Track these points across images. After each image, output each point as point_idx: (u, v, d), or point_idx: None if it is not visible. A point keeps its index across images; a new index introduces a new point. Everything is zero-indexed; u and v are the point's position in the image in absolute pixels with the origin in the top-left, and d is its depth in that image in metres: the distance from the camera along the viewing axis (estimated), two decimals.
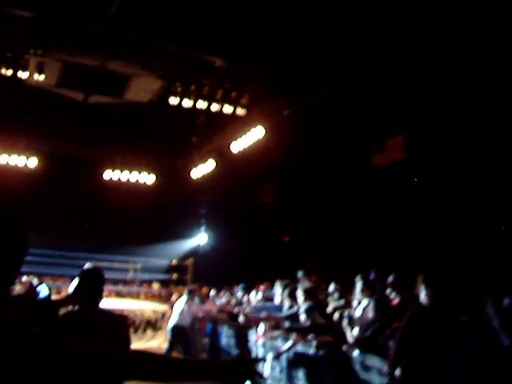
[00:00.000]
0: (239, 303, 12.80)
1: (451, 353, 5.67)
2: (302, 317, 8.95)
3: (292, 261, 15.75)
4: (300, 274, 11.81)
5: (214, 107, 13.72)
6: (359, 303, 8.72)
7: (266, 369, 9.95)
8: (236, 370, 2.12)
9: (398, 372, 6.02)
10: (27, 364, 1.71)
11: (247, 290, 13.25)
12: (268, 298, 11.96)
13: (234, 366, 2.14)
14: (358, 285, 8.67)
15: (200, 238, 20.96)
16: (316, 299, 9.41)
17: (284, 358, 9.38)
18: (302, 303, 9.26)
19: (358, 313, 8.48)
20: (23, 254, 1.94)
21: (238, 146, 15.56)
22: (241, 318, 11.34)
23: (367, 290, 8.55)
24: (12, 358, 1.68)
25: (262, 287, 13.20)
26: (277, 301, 10.94)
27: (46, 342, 1.79)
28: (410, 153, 12.90)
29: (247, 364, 2.17)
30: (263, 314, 10.84)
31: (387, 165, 13.68)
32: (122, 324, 4.61)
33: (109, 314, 4.66)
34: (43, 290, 3.96)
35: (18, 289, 10.04)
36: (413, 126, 12.78)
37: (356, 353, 7.84)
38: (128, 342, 4.44)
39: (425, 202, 13.21)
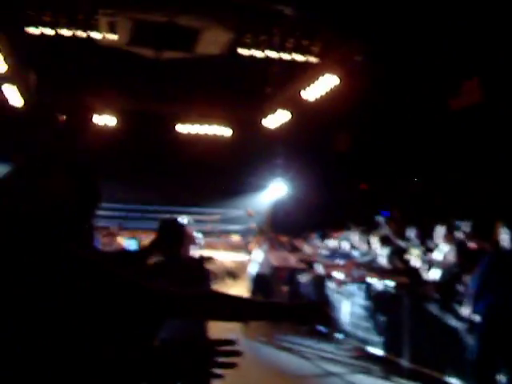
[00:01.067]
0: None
1: None
2: (383, 261, 9.00)
3: (369, 209, 15.66)
4: (381, 218, 11.80)
5: (286, 57, 13.62)
6: (438, 248, 8.67)
7: (344, 315, 10.08)
8: (309, 313, 2.19)
9: (477, 317, 6.00)
10: (102, 297, 1.79)
11: (323, 238, 13.34)
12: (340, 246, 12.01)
13: (308, 308, 2.21)
14: (441, 231, 8.60)
15: (277, 188, 21.07)
16: (393, 245, 9.42)
17: (363, 304, 9.47)
18: (380, 249, 9.30)
19: (438, 257, 8.45)
20: (96, 202, 1.99)
21: (313, 94, 15.41)
22: (317, 266, 11.47)
23: (449, 236, 8.50)
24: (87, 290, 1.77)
25: (335, 235, 13.24)
26: (348, 247, 11.00)
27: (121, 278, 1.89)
28: (487, 95, 12.42)
29: (320, 307, 2.24)
30: (340, 261, 10.92)
31: (464, 108, 13.26)
32: (203, 269, 4.83)
33: (191, 262, 4.91)
34: (132, 245, 4.13)
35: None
36: (489, 67, 12.26)
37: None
38: (209, 285, 4.65)
39: (505, 145, 12.75)
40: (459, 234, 9.02)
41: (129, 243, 3.74)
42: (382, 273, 8.98)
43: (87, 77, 15.42)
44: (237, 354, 1.63)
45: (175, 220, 4.94)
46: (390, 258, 8.97)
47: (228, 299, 2.17)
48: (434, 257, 8.67)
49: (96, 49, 13.79)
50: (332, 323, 2.37)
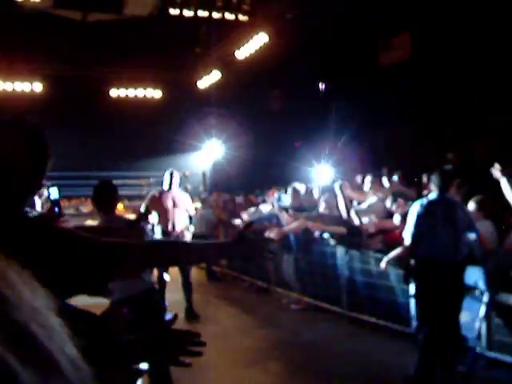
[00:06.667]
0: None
1: (458, 236, 5.85)
2: (322, 206, 9.19)
3: (304, 166, 15.87)
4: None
5: (216, 15, 13.53)
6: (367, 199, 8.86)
7: (285, 269, 10.27)
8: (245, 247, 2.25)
9: (412, 261, 6.23)
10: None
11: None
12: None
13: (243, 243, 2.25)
14: (367, 183, 8.81)
15: (211, 148, 21.07)
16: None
17: (302, 257, 9.70)
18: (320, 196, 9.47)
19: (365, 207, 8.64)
20: (46, 162, 1.96)
21: (243, 53, 15.39)
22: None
23: (376, 186, 8.70)
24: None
25: (271, 193, 13.47)
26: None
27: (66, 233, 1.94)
28: (416, 50, 12.70)
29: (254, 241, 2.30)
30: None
31: (394, 63, 13.51)
32: (139, 227, 4.93)
33: (127, 221, 5.00)
34: (53, 193, 3.94)
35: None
36: (419, 22, 12.50)
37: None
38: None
39: (432, 99, 13.11)
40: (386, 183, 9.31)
41: (50, 191, 3.55)
42: (322, 221, 9.12)
43: (9, 41, 14.85)
44: (202, 344, 1.79)
45: (106, 181, 4.97)
46: (328, 201, 9.13)
47: (172, 245, 2.28)
48: (364, 207, 8.82)
49: (19, 12, 13.31)
50: (265, 256, 2.47)
